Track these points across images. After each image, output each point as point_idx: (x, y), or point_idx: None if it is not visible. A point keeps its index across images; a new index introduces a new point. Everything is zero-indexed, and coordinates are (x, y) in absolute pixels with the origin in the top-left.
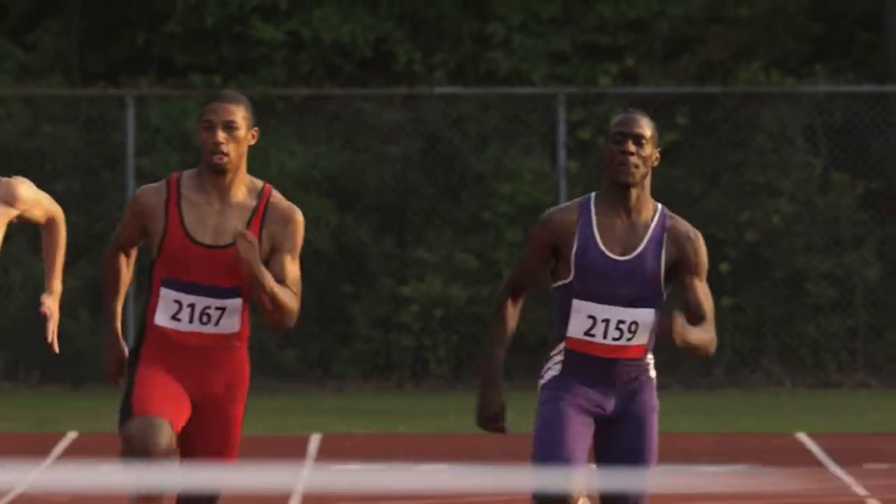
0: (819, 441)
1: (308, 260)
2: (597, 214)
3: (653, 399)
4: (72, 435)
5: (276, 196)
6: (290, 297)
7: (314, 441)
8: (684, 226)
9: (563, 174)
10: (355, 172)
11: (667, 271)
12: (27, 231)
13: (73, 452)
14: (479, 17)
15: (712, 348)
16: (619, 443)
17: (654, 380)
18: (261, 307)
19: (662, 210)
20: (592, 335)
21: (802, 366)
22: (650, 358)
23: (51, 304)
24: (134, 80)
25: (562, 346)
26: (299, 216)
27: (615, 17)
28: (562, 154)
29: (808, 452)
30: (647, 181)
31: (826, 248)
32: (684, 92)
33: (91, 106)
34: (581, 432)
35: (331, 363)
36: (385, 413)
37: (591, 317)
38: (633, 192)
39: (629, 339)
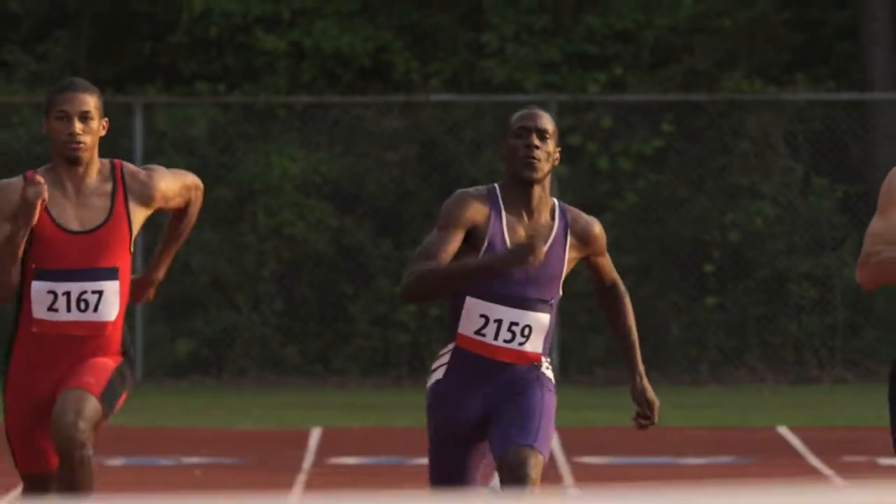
0: (799, 434)
1: (309, 261)
2: (504, 209)
3: (543, 386)
4: None
5: (129, 167)
6: (188, 225)
7: (315, 434)
8: (583, 219)
9: (553, 178)
10: (355, 177)
11: (569, 270)
12: None
13: None
14: (474, 27)
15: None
16: (504, 413)
17: (550, 379)
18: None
19: (561, 207)
20: (483, 335)
21: (784, 362)
22: (546, 365)
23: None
24: (141, 88)
25: (452, 345)
26: (155, 170)
27: (603, 28)
28: None
29: (789, 445)
30: (548, 181)
31: (807, 250)
32: (670, 99)
33: None
34: (474, 463)
35: (331, 360)
36: (383, 408)
37: (483, 316)
38: (536, 190)
39: (521, 344)
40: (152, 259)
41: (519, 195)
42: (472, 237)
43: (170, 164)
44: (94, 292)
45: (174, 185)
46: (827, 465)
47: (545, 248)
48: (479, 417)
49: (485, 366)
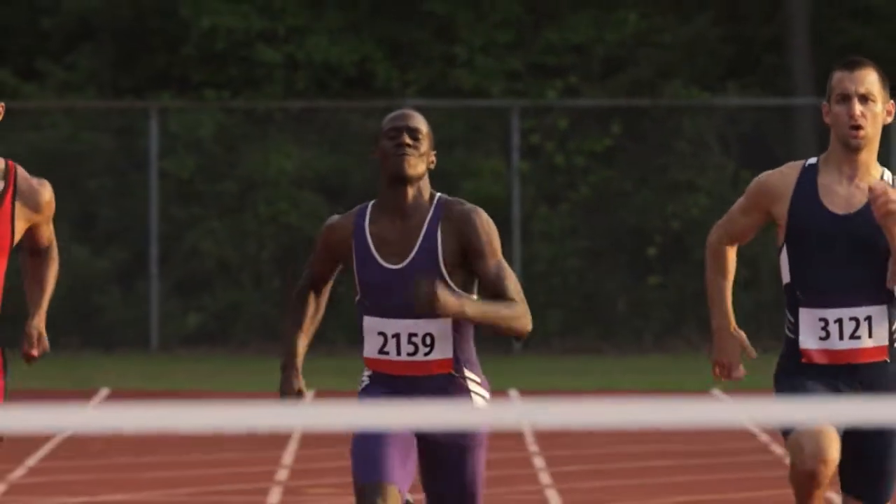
0: (732, 396)
1: (303, 245)
2: (370, 223)
3: (473, 449)
4: (104, 391)
5: (22, 171)
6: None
7: (308, 396)
8: (459, 208)
9: (516, 173)
10: (342, 172)
11: (452, 265)
12: (69, 218)
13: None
14: (447, 41)
15: (518, 324)
16: (439, 474)
17: (475, 398)
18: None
19: (438, 200)
20: (386, 353)
21: None
22: (472, 377)
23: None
24: (157, 94)
25: (366, 370)
26: (46, 183)
27: (560, 42)
28: (515, 157)
29: None
30: (426, 182)
31: None
32: (618, 105)
33: (121, 117)
34: (395, 452)
35: (322, 331)
36: None
37: (381, 333)
38: (410, 190)
39: (427, 354)
40: (31, 311)
41: (392, 198)
42: (344, 260)
43: (181, 161)
44: None
45: (52, 206)
46: (755, 424)
47: (413, 256)
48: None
49: (402, 384)
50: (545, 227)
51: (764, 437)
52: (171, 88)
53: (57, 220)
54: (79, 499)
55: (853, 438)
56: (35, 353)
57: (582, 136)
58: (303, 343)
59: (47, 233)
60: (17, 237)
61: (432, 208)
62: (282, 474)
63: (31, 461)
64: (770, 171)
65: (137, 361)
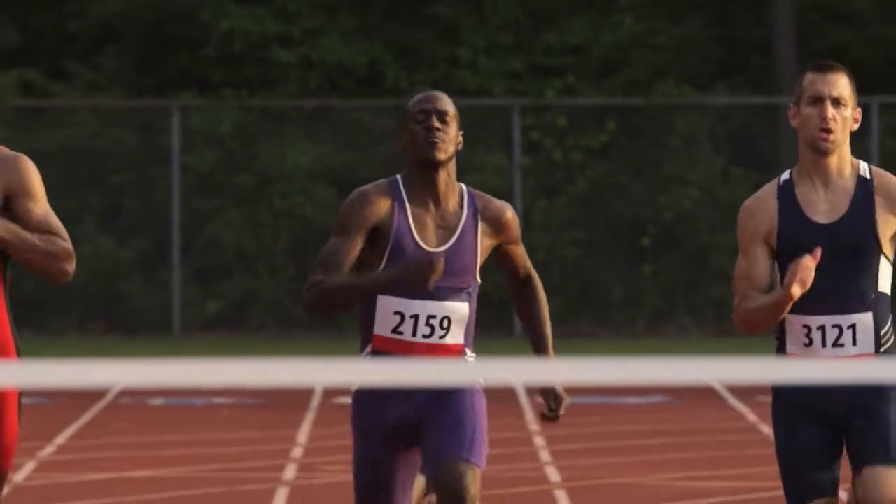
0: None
1: (316, 236)
2: (409, 201)
3: (474, 397)
4: None
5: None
6: (42, 241)
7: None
8: (494, 204)
9: (517, 168)
10: (353, 166)
11: (482, 255)
12: (95, 210)
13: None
14: (451, 43)
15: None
16: (434, 426)
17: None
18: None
19: (470, 193)
20: (401, 332)
21: (706, 319)
22: (470, 354)
23: None
24: (178, 93)
25: (368, 348)
26: (25, 161)
27: (559, 44)
28: (516, 152)
29: (711, 388)
30: (454, 164)
31: (726, 227)
32: (614, 103)
33: (144, 114)
34: (402, 480)
35: (333, 317)
36: None
37: (398, 313)
38: (442, 174)
39: (442, 337)
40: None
41: (423, 182)
42: (376, 237)
43: (201, 156)
44: None
45: (41, 190)
46: (742, 403)
47: (453, 242)
48: (409, 420)
49: None
50: (544, 219)
51: (752, 417)
52: (192, 88)
53: (83, 212)
54: (105, 475)
55: (854, 413)
56: None
57: (579, 133)
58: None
59: (37, 212)
60: None
61: (465, 198)
62: (297, 452)
63: (60, 439)
64: (748, 201)
65: (160, 345)
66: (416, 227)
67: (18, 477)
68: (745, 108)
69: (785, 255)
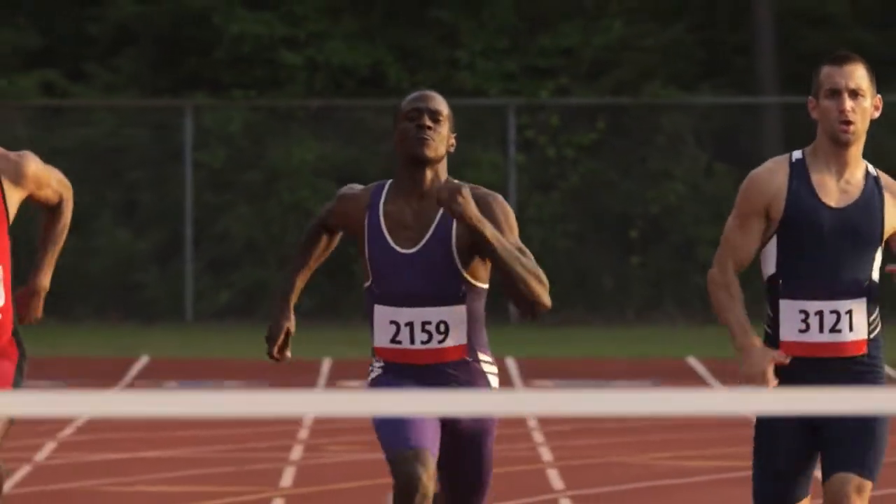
0: (704, 364)
1: None
2: (385, 202)
3: (487, 435)
4: (144, 359)
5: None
6: (62, 231)
7: (326, 363)
8: (476, 192)
9: (512, 165)
10: (357, 163)
11: (465, 252)
12: (112, 204)
13: (146, 372)
14: (450, 46)
15: (535, 285)
16: (455, 462)
17: (490, 379)
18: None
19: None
20: (399, 342)
21: (692, 308)
22: (485, 359)
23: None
24: (191, 94)
25: (375, 360)
26: (25, 154)
27: (552, 47)
28: (512, 149)
29: (696, 372)
30: (443, 165)
31: (710, 220)
32: (604, 103)
33: (159, 114)
34: (426, 425)
35: (339, 306)
36: None
37: (393, 322)
38: (428, 173)
39: (441, 341)
40: (34, 267)
41: (410, 180)
42: (354, 238)
43: (213, 153)
44: None
45: (45, 172)
46: (726, 389)
47: (425, 242)
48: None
49: (414, 373)
50: (538, 213)
51: None
52: (204, 88)
53: (101, 206)
54: (122, 455)
55: (834, 421)
56: (28, 320)
57: (571, 132)
58: (300, 282)
59: (51, 195)
60: (13, 213)
61: None
62: (303, 433)
63: (79, 420)
64: (758, 170)
65: (174, 332)
66: (388, 229)
67: (40, 456)
68: (727, 107)
69: (786, 231)
